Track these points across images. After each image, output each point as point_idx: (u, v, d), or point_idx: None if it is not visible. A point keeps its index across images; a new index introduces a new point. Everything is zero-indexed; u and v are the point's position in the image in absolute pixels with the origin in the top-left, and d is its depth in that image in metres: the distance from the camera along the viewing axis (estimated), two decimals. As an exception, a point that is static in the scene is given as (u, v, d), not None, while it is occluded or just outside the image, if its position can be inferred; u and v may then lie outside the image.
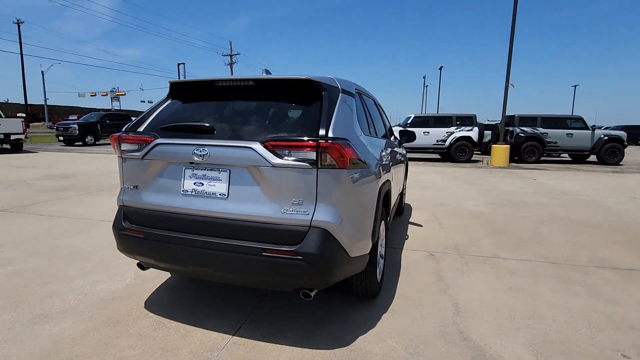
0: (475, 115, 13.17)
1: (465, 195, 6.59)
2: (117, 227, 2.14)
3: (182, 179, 1.99)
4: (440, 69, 33.94)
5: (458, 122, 13.15)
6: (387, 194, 2.77)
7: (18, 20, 39.85)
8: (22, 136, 13.94)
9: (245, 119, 2.07)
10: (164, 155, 2.00)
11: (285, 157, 1.78)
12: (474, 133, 12.97)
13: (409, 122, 13.34)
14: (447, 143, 13.05)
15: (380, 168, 2.40)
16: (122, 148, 2.13)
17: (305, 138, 1.79)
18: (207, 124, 1.97)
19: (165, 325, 2.18)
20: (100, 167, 9.59)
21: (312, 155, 1.76)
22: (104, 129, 19.02)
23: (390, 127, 4.20)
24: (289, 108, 2.06)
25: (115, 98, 53.14)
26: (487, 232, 4.27)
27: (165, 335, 2.08)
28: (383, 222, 2.64)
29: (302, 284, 1.86)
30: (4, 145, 13.66)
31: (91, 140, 18.35)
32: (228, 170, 1.90)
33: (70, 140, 18.06)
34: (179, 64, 34.71)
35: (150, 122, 2.18)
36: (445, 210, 5.37)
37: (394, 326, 2.21)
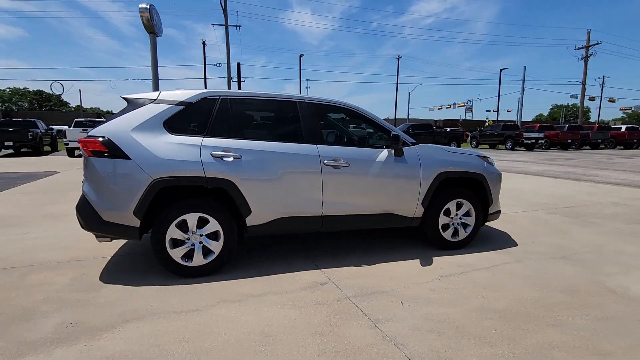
0: None
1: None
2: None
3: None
4: None
5: None
6: (220, 192, 2.94)
7: (398, 57, 53.12)
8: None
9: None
10: None
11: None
12: None
13: None
14: None
15: (161, 164, 2.76)
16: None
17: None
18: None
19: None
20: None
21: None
22: (408, 137, 22.34)
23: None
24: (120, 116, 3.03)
25: (470, 109, 58.33)
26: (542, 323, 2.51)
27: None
28: (201, 214, 2.89)
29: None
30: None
31: (397, 146, 22.19)
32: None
33: (383, 146, 22.78)
34: (501, 69, 33.10)
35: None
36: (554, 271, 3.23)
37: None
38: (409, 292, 2.74)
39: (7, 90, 57.07)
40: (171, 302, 2.54)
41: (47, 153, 16.70)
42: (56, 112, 53.63)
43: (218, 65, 27.87)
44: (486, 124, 44.32)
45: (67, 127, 16.10)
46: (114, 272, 3.06)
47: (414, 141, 3.60)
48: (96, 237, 2.92)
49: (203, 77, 37.63)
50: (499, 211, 4.01)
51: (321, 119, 3.39)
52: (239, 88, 26.28)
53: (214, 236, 2.98)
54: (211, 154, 2.89)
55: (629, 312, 2.46)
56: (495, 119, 44.94)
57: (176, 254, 2.89)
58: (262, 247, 3.74)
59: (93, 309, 2.43)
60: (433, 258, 3.48)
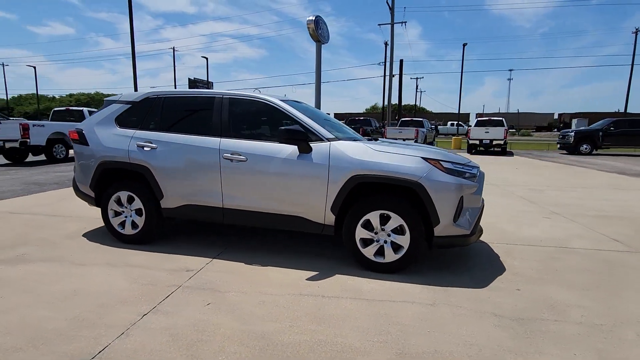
0: None
1: None
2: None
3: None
4: None
5: None
6: (135, 176, 3.52)
7: (637, 30, 39.52)
8: (501, 142, 16.65)
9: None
10: None
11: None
12: None
13: None
14: None
15: (104, 150, 3.54)
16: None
17: (81, 128, 3.96)
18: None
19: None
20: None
21: (73, 136, 3.92)
22: (607, 138, 16.72)
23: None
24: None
25: None
26: None
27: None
28: (131, 193, 3.52)
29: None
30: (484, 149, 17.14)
31: (587, 149, 17.01)
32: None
33: (567, 148, 17.86)
34: None
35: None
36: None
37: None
38: (235, 298, 2.55)
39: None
40: (84, 256, 3.30)
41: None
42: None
43: (380, 64, 28.28)
44: None
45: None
46: (100, 230, 4.11)
47: (332, 137, 3.11)
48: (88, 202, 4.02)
49: (382, 75, 39.18)
50: (466, 235, 2.91)
51: (236, 113, 3.40)
52: (400, 85, 26.10)
53: (139, 212, 3.57)
54: (136, 144, 3.48)
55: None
56: None
57: (115, 222, 3.64)
58: (209, 232, 4.08)
59: (47, 249, 3.46)
60: (337, 275, 2.96)
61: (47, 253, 3.37)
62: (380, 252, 2.99)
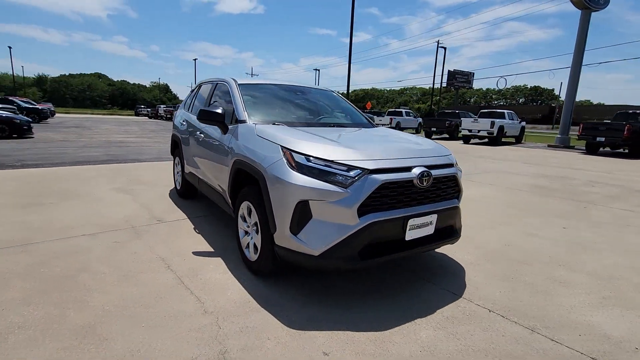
0: None
1: None
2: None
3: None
4: None
5: None
6: (177, 145, 4.56)
7: None
8: None
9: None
10: None
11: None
12: None
13: None
14: None
15: (174, 126, 4.75)
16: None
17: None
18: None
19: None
20: None
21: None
22: None
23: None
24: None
25: None
26: None
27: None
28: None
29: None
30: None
31: None
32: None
33: None
34: None
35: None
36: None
37: (161, 192, 5.10)
38: (132, 245, 3.12)
39: (510, 89, 67.83)
40: (143, 197, 4.75)
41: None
42: (528, 106, 57.54)
43: None
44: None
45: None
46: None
47: (243, 119, 2.94)
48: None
49: None
50: (310, 256, 2.13)
51: (216, 96, 3.73)
52: None
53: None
54: (180, 122, 4.56)
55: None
56: None
57: (176, 178, 4.95)
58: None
59: (139, 187, 5.18)
60: (218, 259, 2.93)
61: (135, 188, 5.08)
62: (248, 247, 2.70)
